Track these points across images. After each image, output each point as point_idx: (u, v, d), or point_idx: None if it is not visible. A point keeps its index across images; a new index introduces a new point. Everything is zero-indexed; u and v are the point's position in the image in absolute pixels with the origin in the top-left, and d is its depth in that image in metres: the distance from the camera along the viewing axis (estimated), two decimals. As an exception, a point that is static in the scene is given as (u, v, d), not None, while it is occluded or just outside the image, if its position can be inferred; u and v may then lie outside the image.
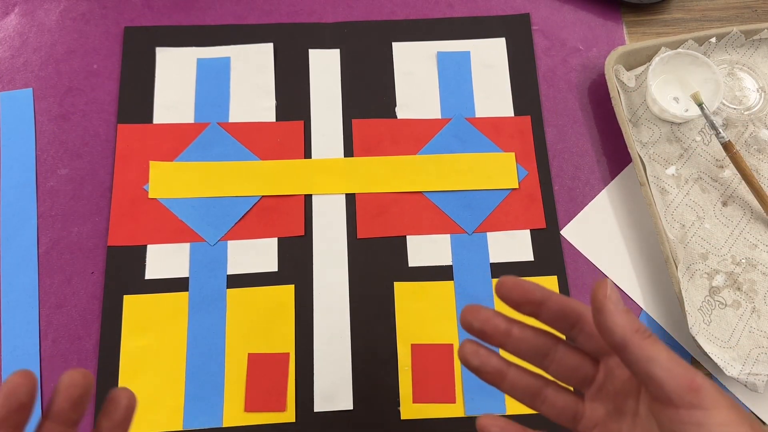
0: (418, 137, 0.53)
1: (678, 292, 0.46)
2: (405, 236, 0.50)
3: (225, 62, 0.55)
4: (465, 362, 0.31)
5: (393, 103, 0.54)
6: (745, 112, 0.54)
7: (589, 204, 0.52)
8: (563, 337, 0.31)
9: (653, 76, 0.53)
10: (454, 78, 0.55)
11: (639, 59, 0.54)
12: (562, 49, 0.57)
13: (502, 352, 0.31)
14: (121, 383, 0.45)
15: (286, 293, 0.48)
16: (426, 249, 0.50)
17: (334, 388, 0.46)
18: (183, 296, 0.48)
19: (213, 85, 0.54)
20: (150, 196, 0.50)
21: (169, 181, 0.51)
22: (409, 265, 0.49)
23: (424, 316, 0.48)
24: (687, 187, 0.51)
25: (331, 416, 0.45)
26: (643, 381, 0.26)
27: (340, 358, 0.47)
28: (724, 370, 0.45)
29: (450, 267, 0.50)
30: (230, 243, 0.49)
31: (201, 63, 0.55)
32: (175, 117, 0.53)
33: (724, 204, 0.51)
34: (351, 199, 0.51)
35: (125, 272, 0.48)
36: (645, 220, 0.51)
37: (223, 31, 0.56)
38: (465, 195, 0.51)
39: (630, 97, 0.54)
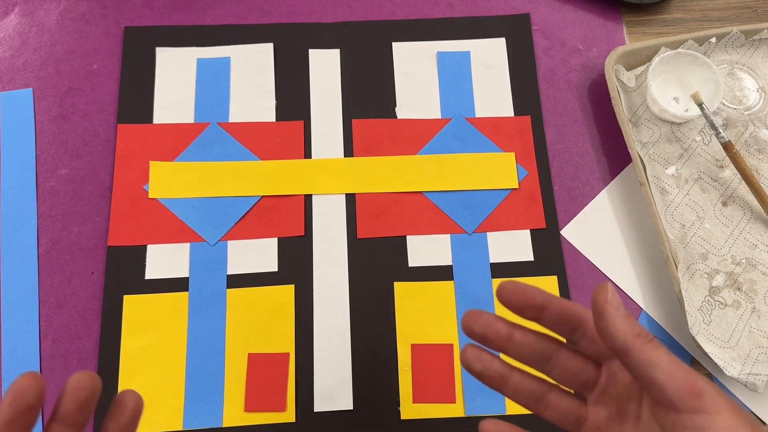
0: (418, 137, 0.53)
1: (678, 292, 0.46)
2: (405, 236, 0.50)
3: (225, 62, 0.55)
4: (467, 367, 0.30)
5: (393, 103, 0.54)
6: (745, 112, 0.54)
7: (589, 204, 0.52)
8: (563, 340, 0.31)
9: (653, 76, 0.53)
10: (454, 78, 0.55)
11: (639, 59, 0.54)
12: (562, 49, 0.57)
13: (505, 357, 0.31)
14: (121, 383, 0.45)
15: (286, 293, 0.48)
16: (426, 249, 0.50)
17: (334, 388, 0.46)
18: (183, 296, 0.48)
19: (213, 85, 0.54)
20: (150, 196, 0.50)
21: (169, 181, 0.51)
22: (409, 265, 0.49)
23: (424, 316, 0.48)
24: (687, 187, 0.52)
25: (331, 416, 0.45)
26: (645, 385, 0.26)
27: (340, 358, 0.47)
28: (724, 370, 0.45)
29: (450, 267, 0.50)
30: (230, 243, 0.49)
31: (201, 63, 0.55)
32: (175, 117, 0.53)
33: (724, 204, 0.51)
34: (351, 199, 0.51)
35: (125, 272, 0.48)
36: (645, 220, 0.51)
37: (223, 31, 0.56)
38: (465, 195, 0.51)
39: (630, 97, 0.54)
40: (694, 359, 0.48)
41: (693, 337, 0.45)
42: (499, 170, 0.52)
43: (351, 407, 0.46)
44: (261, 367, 0.46)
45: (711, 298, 0.48)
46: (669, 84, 0.54)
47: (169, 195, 0.50)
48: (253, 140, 0.52)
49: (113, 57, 0.55)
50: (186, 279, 0.48)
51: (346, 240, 0.50)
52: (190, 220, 0.50)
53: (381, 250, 0.50)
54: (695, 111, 0.51)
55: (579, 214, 0.52)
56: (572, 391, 0.31)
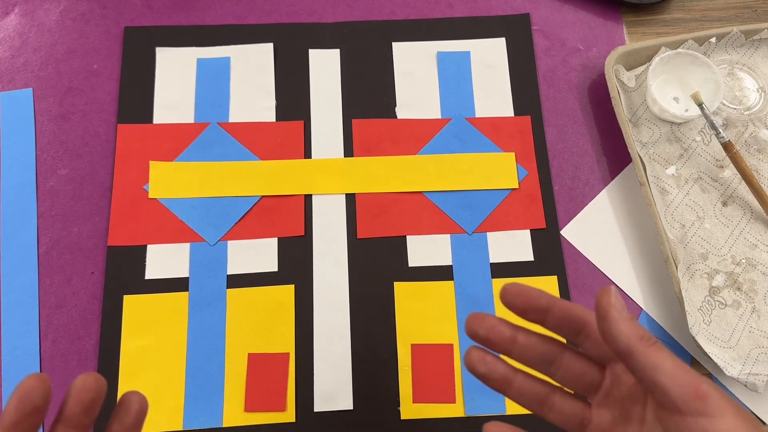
0: (418, 137, 0.53)
1: (678, 292, 0.46)
2: (405, 236, 0.50)
3: (225, 62, 0.55)
4: (471, 369, 0.30)
5: (393, 103, 0.54)
6: (745, 112, 0.54)
7: (589, 204, 0.52)
8: (563, 340, 0.31)
9: (653, 76, 0.53)
10: (454, 78, 0.55)
11: (639, 59, 0.54)
12: (562, 49, 0.57)
13: (508, 359, 0.31)
14: (121, 383, 0.45)
15: (286, 293, 0.48)
16: (426, 249, 0.50)
17: (334, 388, 0.46)
18: (183, 296, 0.48)
19: (213, 85, 0.54)
20: (150, 196, 0.50)
21: (169, 181, 0.51)
22: (409, 265, 0.49)
23: (424, 316, 0.48)
24: (687, 187, 0.51)
25: (331, 416, 0.45)
26: (649, 388, 0.26)
27: (340, 358, 0.47)
28: (724, 370, 0.45)
29: (450, 267, 0.50)
30: (230, 243, 0.49)
31: (201, 63, 0.55)
32: (175, 117, 0.53)
33: (724, 204, 0.51)
34: (351, 199, 0.51)
35: (125, 272, 0.48)
36: (645, 220, 0.51)
37: (223, 31, 0.56)
38: (465, 195, 0.51)
39: (630, 97, 0.54)
40: (694, 359, 0.48)
41: (693, 337, 0.45)
42: (499, 170, 0.52)
43: (351, 407, 0.46)
44: (261, 367, 0.46)
45: (711, 298, 0.48)
46: (669, 84, 0.54)
47: (169, 195, 0.50)
48: (253, 140, 0.52)
49: (113, 57, 0.55)
50: (186, 279, 0.48)
51: (346, 240, 0.50)
52: (190, 220, 0.50)
53: (381, 250, 0.50)
54: (695, 111, 0.51)
55: (579, 214, 0.52)
56: (571, 391, 0.31)
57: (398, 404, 0.46)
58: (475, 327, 0.30)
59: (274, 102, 0.54)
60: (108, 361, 0.46)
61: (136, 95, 0.54)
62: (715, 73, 0.51)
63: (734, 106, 0.54)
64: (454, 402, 0.46)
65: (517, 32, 0.57)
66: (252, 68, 0.55)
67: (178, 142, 0.52)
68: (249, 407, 0.45)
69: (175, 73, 0.54)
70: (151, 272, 0.48)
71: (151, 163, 0.51)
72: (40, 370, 0.46)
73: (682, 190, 0.51)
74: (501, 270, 0.50)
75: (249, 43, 0.55)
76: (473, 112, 0.54)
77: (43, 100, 0.53)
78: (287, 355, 0.47)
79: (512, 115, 0.54)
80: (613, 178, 0.53)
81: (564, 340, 0.31)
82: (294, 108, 0.54)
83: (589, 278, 0.50)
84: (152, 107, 0.53)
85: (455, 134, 0.53)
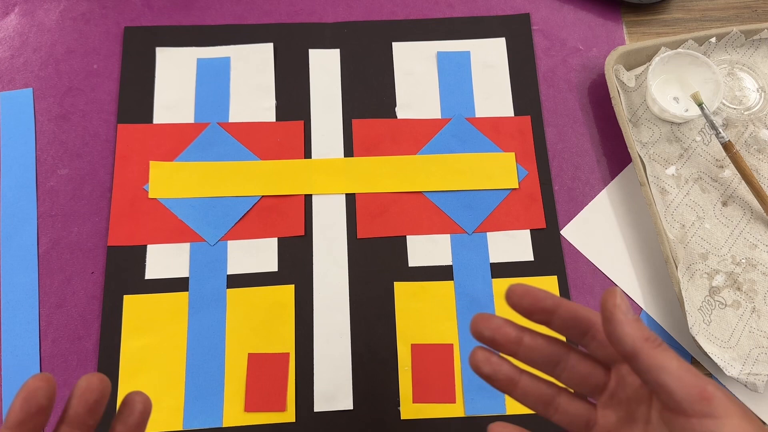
0: (418, 137, 0.53)
1: (678, 292, 0.46)
2: (405, 236, 0.50)
3: (225, 62, 0.55)
4: (476, 370, 0.30)
5: (393, 103, 0.54)
6: (745, 112, 0.54)
7: (589, 204, 0.52)
8: (563, 339, 0.31)
9: (653, 76, 0.53)
10: (454, 78, 0.55)
11: (639, 59, 0.54)
12: (562, 49, 0.57)
13: (513, 360, 0.31)
14: (121, 383, 0.45)
15: (286, 293, 0.48)
16: (426, 249, 0.50)
17: (334, 388, 0.46)
18: (183, 296, 0.48)
19: (213, 85, 0.54)
20: (150, 196, 0.50)
21: (169, 181, 0.51)
22: (409, 265, 0.49)
23: (424, 316, 0.48)
24: (687, 187, 0.51)
25: (331, 416, 0.45)
26: (654, 390, 0.26)
27: (340, 358, 0.47)
28: (724, 370, 0.45)
29: (450, 267, 0.50)
30: (230, 243, 0.49)
31: (201, 63, 0.55)
32: (175, 117, 0.53)
33: (724, 204, 0.51)
34: (351, 199, 0.51)
35: (125, 272, 0.48)
36: (645, 220, 0.51)
37: (223, 31, 0.56)
38: (465, 195, 0.51)
39: (630, 97, 0.54)
40: (694, 359, 0.48)
41: (693, 337, 0.45)
42: (499, 170, 0.52)
43: (351, 407, 0.46)
44: (261, 367, 0.46)
45: (711, 298, 0.48)
46: (669, 84, 0.54)
47: (169, 195, 0.50)
48: (253, 140, 0.52)
49: (113, 57, 0.55)
50: (186, 279, 0.48)
51: (346, 240, 0.50)
52: (190, 220, 0.50)
53: (381, 250, 0.50)
54: (695, 111, 0.51)
55: (579, 214, 0.52)
56: (571, 390, 0.31)
57: (398, 404, 0.46)
58: (481, 327, 0.30)
59: (274, 102, 0.54)
60: (108, 361, 0.46)
61: (136, 95, 0.54)
62: (715, 73, 0.51)
63: (734, 106, 0.54)
64: (454, 402, 0.46)
65: (517, 32, 0.57)
66: (252, 68, 0.55)
67: (178, 142, 0.52)
68: (249, 407, 0.45)
69: (175, 73, 0.54)
70: (151, 272, 0.48)
71: (151, 163, 0.51)
72: (40, 370, 0.46)
73: (682, 190, 0.51)
74: (501, 270, 0.50)
75: (249, 43, 0.55)
76: (473, 112, 0.54)
77: (43, 100, 0.53)
78: (287, 355, 0.47)
79: (512, 115, 0.54)
80: (613, 178, 0.53)
81: (563, 340, 0.31)
82: (294, 108, 0.54)
83: (589, 278, 0.50)
84: (152, 107, 0.53)
85: (455, 134, 0.53)
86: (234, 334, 0.47)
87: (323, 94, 0.54)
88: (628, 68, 0.55)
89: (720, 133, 0.50)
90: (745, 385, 0.45)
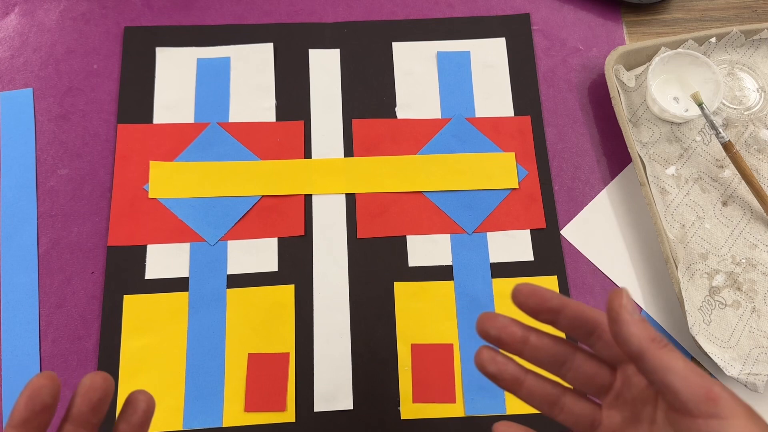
0: (418, 137, 0.53)
1: (678, 292, 0.46)
2: (405, 236, 0.50)
3: (225, 62, 0.55)
4: (482, 369, 0.30)
5: (393, 103, 0.54)
6: (745, 112, 0.54)
7: (589, 204, 0.52)
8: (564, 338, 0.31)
9: (653, 76, 0.53)
10: (454, 78, 0.55)
11: (639, 59, 0.54)
12: (562, 49, 0.57)
13: (519, 359, 0.31)
14: (121, 383, 0.45)
15: (286, 293, 0.48)
16: (426, 249, 0.50)
17: (334, 388, 0.46)
18: (183, 296, 0.48)
19: (213, 85, 0.54)
20: (150, 196, 0.50)
21: (169, 181, 0.51)
22: (409, 265, 0.49)
23: (424, 316, 0.48)
24: (687, 187, 0.51)
25: (331, 416, 0.45)
26: (660, 390, 0.26)
27: (340, 358, 0.47)
28: (724, 370, 0.45)
29: (450, 267, 0.50)
30: (230, 243, 0.49)
31: (201, 63, 0.55)
32: (175, 117, 0.53)
33: (724, 204, 0.51)
34: (351, 199, 0.51)
35: (125, 272, 0.48)
36: (645, 220, 0.51)
37: (223, 31, 0.56)
38: (465, 195, 0.51)
39: (630, 97, 0.54)
40: (694, 359, 0.48)
41: (693, 337, 0.45)
42: (499, 170, 0.52)
43: (351, 407, 0.46)
44: (261, 367, 0.46)
45: (711, 298, 0.48)
46: (669, 84, 0.54)
47: (169, 195, 0.50)
48: (253, 140, 0.52)
49: (113, 57, 0.55)
50: (186, 279, 0.48)
51: (346, 240, 0.50)
52: (190, 220, 0.50)
53: (381, 250, 0.50)
54: (695, 111, 0.51)
55: (579, 214, 0.52)
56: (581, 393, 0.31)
57: (398, 404, 0.46)
58: (487, 326, 0.30)
59: (274, 102, 0.54)
60: (108, 361, 0.46)
61: (136, 95, 0.54)
62: (715, 73, 0.51)
63: (734, 106, 0.54)
64: (454, 402, 0.46)
65: (517, 32, 0.57)
66: (252, 68, 0.55)
67: (178, 142, 0.52)
68: (249, 407, 0.45)
69: (175, 73, 0.54)
70: (151, 272, 0.48)
71: (151, 163, 0.51)
72: (41, 370, 0.46)
73: (682, 190, 0.51)
74: (501, 270, 0.50)
75: (249, 43, 0.55)
76: (473, 112, 0.54)
77: (43, 100, 0.53)
78: (287, 355, 0.47)
79: (512, 115, 0.54)
80: (613, 178, 0.53)
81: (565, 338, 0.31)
82: (294, 108, 0.54)
83: (589, 278, 0.50)
84: (152, 107, 0.53)
85: (455, 134, 0.53)
86: (234, 334, 0.47)
87: (323, 94, 0.54)
88: (628, 68, 0.55)
89: (720, 133, 0.50)
90: (745, 385, 0.45)
